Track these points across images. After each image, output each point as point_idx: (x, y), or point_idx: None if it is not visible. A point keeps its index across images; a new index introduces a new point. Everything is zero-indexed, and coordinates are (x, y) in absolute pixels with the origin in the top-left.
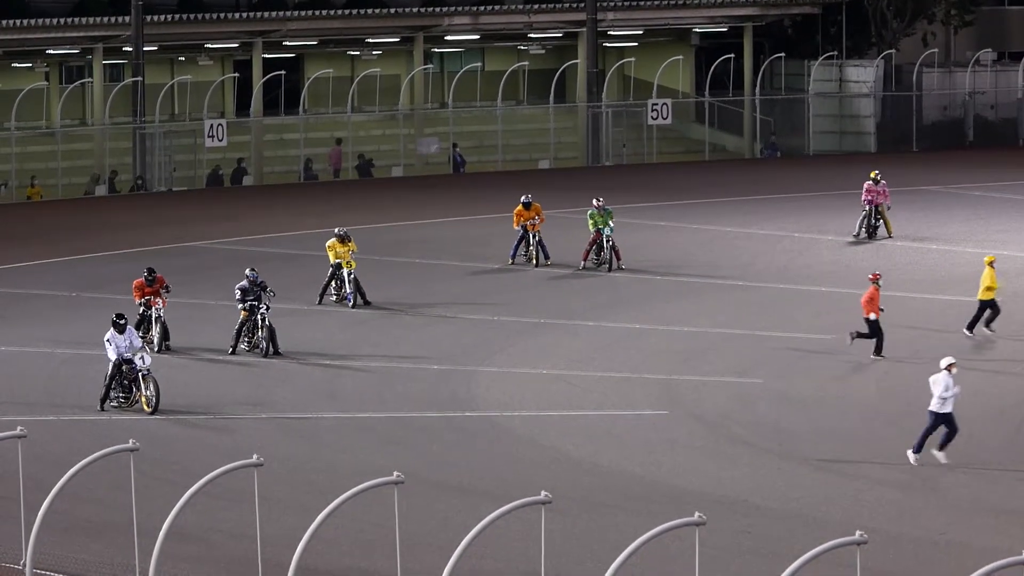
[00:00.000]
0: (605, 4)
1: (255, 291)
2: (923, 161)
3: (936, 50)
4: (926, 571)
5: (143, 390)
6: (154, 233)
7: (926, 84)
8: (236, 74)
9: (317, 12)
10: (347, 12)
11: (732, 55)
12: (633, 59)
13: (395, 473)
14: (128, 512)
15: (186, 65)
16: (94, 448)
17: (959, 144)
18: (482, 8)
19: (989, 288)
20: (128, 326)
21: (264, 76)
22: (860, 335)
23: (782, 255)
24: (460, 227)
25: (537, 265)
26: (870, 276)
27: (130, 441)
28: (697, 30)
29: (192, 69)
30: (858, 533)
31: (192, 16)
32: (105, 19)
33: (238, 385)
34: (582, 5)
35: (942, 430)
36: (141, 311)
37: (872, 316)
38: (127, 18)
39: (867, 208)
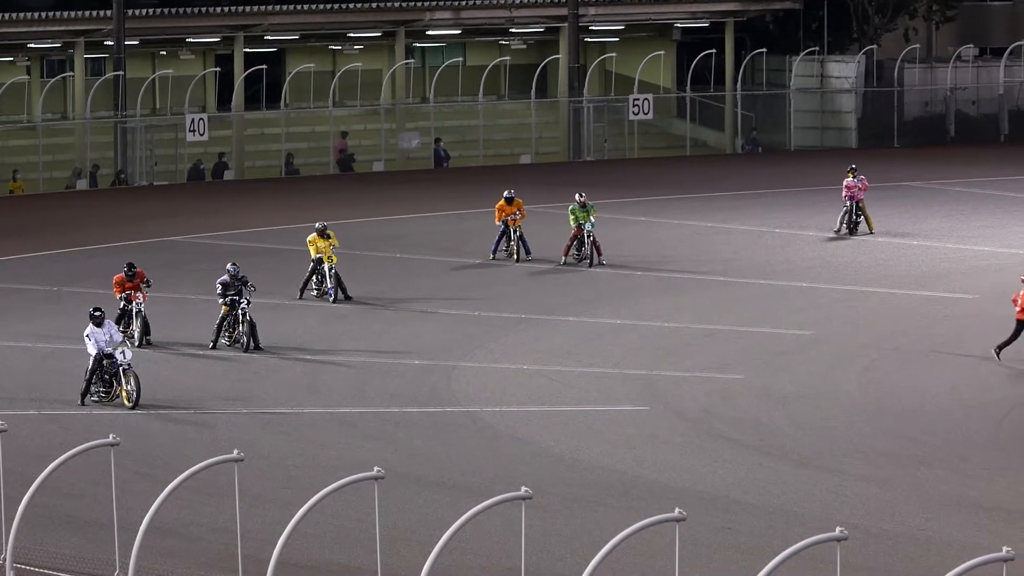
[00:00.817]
0: None
1: (236, 286)
2: (904, 157)
3: (918, 46)
4: (906, 567)
5: (124, 384)
6: (135, 227)
7: (907, 80)
8: (217, 68)
9: (298, 7)
10: (329, 7)
11: (713, 50)
12: (614, 54)
13: (375, 468)
14: (109, 507)
15: (167, 59)
16: (75, 443)
17: (940, 140)
18: (463, 3)
19: None
20: (106, 319)
21: (245, 71)
22: (1005, 345)
23: (763, 251)
24: (441, 222)
25: (518, 260)
26: (1022, 277)
27: (111, 436)
28: (679, 25)
29: (173, 63)
30: (838, 529)
31: (173, 10)
32: (87, 13)
33: (219, 380)
34: (563, 0)
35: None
36: (122, 306)
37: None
38: (109, 12)
39: (848, 204)
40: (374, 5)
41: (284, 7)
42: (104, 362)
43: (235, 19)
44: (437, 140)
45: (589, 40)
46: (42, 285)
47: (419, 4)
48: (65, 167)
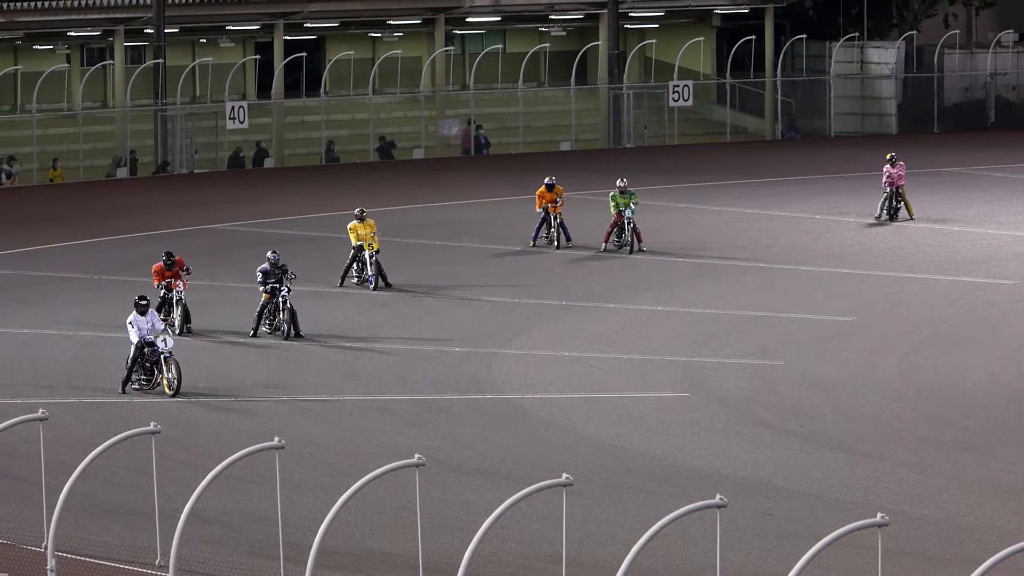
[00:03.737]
0: None
1: (276, 273)
2: (944, 142)
3: (957, 31)
4: (947, 552)
5: (165, 372)
6: (176, 215)
7: (947, 65)
8: (257, 56)
9: None
10: None
11: (753, 37)
12: (654, 41)
13: (416, 455)
14: (150, 494)
15: (207, 47)
16: (116, 431)
17: (980, 125)
18: None
19: None
20: (150, 308)
21: (285, 58)
22: None
23: (803, 237)
24: (481, 209)
25: (558, 247)
26: None
27: (152, 424)
28: (718, 11)
29: (213, 51)
30: (879, 515)
31: None
32: (127, 1)
33: (259, 367)
34: None
35: None
36: (162, 294)
37: None
38: (149, 0)
39: (888, 190)
40: None
41: None
42: (145, 350)
43: (275, 6)
44: (478, 127)
45: (629, 27)
46: (83, 273)
47: None
48: (105, 155)
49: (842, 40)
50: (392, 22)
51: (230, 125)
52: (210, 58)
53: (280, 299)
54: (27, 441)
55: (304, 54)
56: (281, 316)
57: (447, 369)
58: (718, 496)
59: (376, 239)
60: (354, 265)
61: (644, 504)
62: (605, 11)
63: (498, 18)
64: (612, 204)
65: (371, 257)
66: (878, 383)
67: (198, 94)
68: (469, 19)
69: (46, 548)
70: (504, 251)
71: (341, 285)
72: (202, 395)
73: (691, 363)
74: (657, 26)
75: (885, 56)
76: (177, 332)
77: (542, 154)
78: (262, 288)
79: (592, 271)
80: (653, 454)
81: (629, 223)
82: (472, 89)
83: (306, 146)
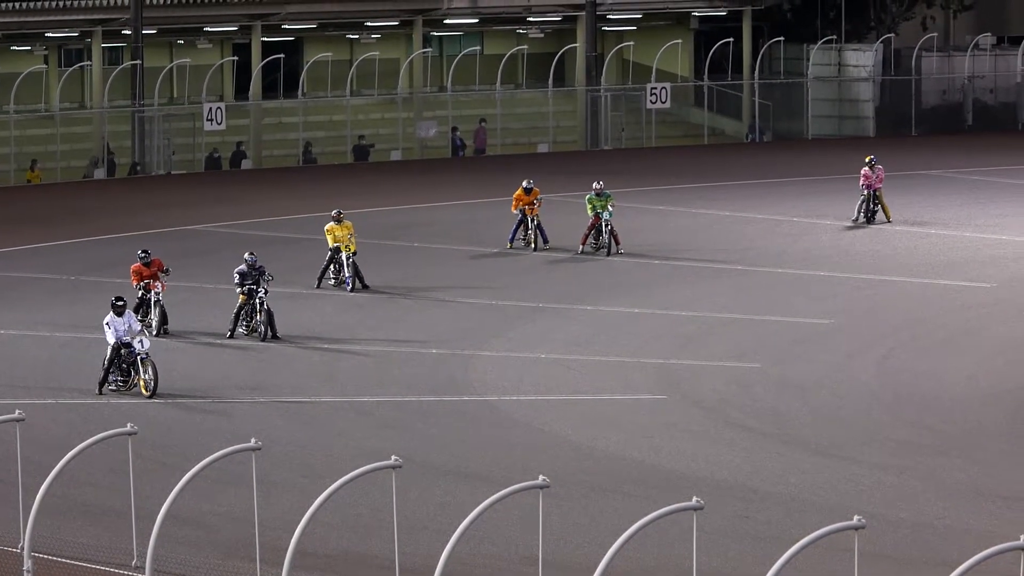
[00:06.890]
0: None
1: (253, 275)
2: (922, 145)
3: (935, 34)
4: (924, 556)
5: (141, 374)
6: (153, 216)
7: (925, 68)
8: (235, 57)
9: None
10: None
11: (731, 39)
12: (632, 43)
13: (393, 457)
14: (126, 495)
15: (185, 48)
16: (92, 432)
17: (958, 128)
18: None
19: None
20: (127, 309)
21: (263, 59)
22: None
23: (780, 239)
24: (458, 211)
25: (536, 249)
26: None
27: (128, 425)
28: (696, 14)
29: (191, 52)
30: (856, 518)
31: None
32: (104, 2)
33: (236, 369)
34: None
35: None
36: (140, 295)
37: None
38: (126, 1)
39: (865, 193)
40: None
41: None
42: (122, 351)
43: (253, 8)
44: (454, 129)
45: (607, 29)
46: (60, 274)
47: None
48: (83, 156)
49: (820, 43)
50: (370, 24)
51: (207, 126)
52: (188, 59)
53: (257, 300)
54: (3, 442)
55: (282, 55)
56: (258, 317)
57: (424, 371)
58: (695, 498)
59: (353, 241)
60: (331, 267)
61: (620, 506)
62: (583, 13)
63: (476, 20)
64: (589, 207)
65: (348, 259)
66: (855, 386)
67: (175, 95)
68: (447, 21)
69: (22, 549)
70: (481, 253)
71: (318, 287)
72: (179, 396)
73: (668, 365)
74: (635, 28)
75: (863, 59)
76: (154, 333)
77: (519, 156)
78: (239, 289)
79: (569, 273)
80: (630, 456)
81: (607, 225)
82: (450, 91)
83: (283, 147)
